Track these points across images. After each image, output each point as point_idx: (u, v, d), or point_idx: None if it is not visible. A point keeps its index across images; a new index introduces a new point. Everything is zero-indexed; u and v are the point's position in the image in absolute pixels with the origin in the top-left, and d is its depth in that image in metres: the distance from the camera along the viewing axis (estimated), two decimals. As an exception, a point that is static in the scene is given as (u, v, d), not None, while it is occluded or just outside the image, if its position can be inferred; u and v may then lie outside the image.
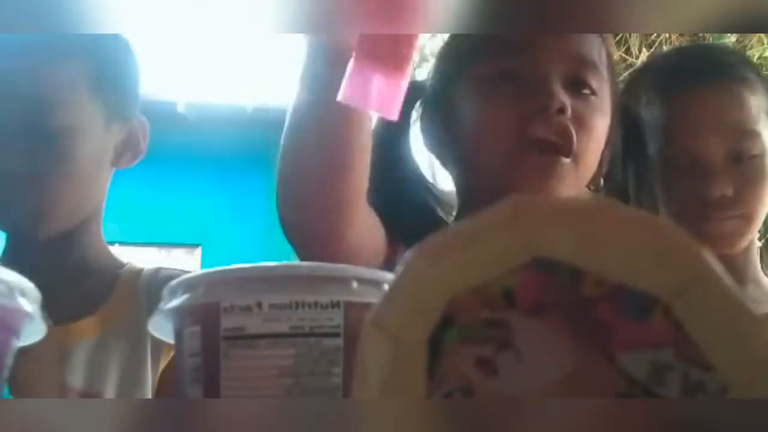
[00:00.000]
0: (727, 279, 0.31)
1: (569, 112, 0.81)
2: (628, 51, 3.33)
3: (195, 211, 5.03)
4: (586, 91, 0.85)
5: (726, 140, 0.98)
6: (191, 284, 0.47)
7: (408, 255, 0.34)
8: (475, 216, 0.34)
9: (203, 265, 4.74)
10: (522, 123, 0.81)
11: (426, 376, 0.33)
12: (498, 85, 0.84)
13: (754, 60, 2.35)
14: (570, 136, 0.81)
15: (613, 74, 0.90)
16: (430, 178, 0.95)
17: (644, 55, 3.16)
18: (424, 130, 0.93)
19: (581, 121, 0.83)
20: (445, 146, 0.91)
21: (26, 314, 0.46)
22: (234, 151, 4.73)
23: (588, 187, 0.89)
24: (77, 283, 0.96)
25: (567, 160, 0.81)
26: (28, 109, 0.91)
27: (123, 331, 0.93)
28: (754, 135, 0.99)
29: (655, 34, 3.17)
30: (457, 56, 0.89)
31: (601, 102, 0.86)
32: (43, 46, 0.92)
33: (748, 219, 0.99)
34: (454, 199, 0.93)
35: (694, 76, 1.02)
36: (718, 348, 0.31)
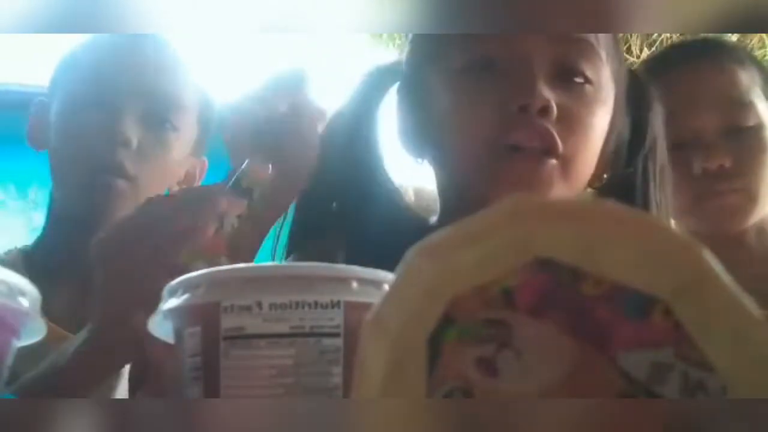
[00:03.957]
0: (727, 279, 0.31)
1: (554, 111, 0.72)
2: (628, 51, 3.33)
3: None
4: (579, 80, 0.75)
5: (721, 113, 1.00)
6: (191, 284, 0.47)
7: (408, 255, 0.34)
8: (475, 216, 0.34)
9: (204, 265, 4.72)
10: (500, 127, 0.73)
11: (426, 376, 0.33)
12: (477, 76, 0.75)
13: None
14: (553, 140, 0.72)
15: (617, 53, 0.80)
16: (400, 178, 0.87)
17: (645, 54, 3.16)
18: (398, 122, 0.85)
19: (572, 118, 0.73)
20: (421, 142, 0.83)
21: (26, 314, 0.46)
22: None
23: (592, 185, 0.81)
24: None
25: (553, 162, 0.73)
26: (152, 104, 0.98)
27: None
28: (749, 106, 1.01)
29: (655, 34, 3.17)
30: (437, 38, 0.78)
31: (598, 91, 0.76)
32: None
33: (749, 192, 0.99)
34: (429, 200, 0.86)
35: (684, 54, 1.06)
36: (718, 348, 0.31)
